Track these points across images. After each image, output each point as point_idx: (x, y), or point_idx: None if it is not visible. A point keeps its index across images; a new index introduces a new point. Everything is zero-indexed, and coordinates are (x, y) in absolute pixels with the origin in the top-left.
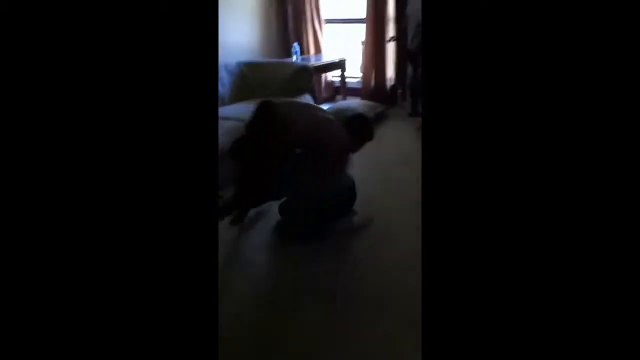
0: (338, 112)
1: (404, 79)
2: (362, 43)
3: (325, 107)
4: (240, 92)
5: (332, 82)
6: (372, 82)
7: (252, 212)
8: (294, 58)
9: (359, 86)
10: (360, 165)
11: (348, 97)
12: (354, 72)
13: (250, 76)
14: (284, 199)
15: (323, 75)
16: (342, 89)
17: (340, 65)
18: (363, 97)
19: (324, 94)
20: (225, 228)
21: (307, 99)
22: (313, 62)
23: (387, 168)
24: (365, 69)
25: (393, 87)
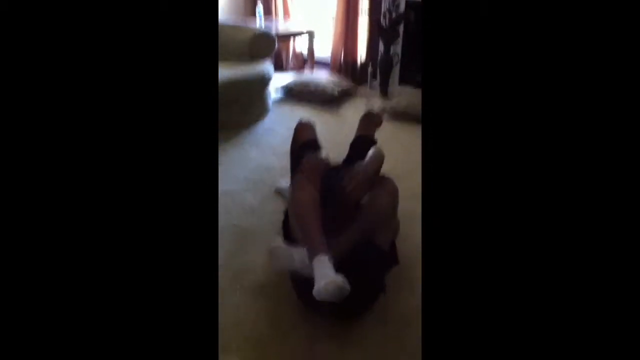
0: (302, 85)
1: (374, 57)
2: (333, 19)
3: (290, 77)
4: None
5: (301, 53)
6: (342, 58)
7: None
8: (257, 20)
9: (328, 60)
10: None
11: (316, 69)
12: (324, 47)
13: None
14: None
15: (292, 44)
16: (309, 60)
17: (309, 35)
18: (331, 71)
19: (291, 64)
20: None
21: (266, 66)
22: (280, 27)
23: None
24: (334, 43)
25: (363, 65)
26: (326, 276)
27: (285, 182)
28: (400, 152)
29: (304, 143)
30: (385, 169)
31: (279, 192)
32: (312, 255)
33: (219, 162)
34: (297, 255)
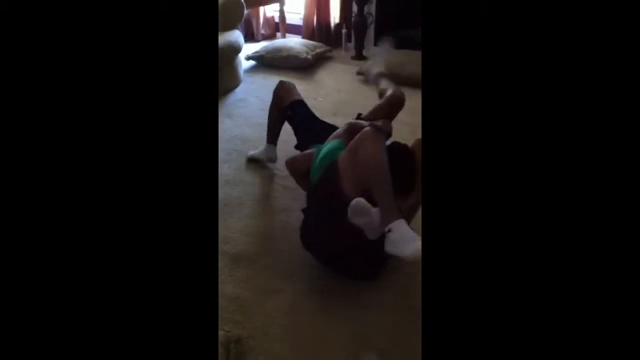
0: (274, 51)
1: (348, 19)
2: None
3: (262, 45)
4: None
5: (272, 18)
6: (315, 20)
7: None
8: None
9: (301, 23)
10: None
11: (288, 35)
12: (297, 12)
13: None
14: None
15: (262, 10)
16: (281, 26)
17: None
18: (304, 36)
19: (262, 31)
20: None
21: (236, 34)
22: None
23: (326, 116)
24: (306, 6)
25: (337, 27)
26: (414, 240)
27: (254, 151)
28: None
29: (292, 103)
30: None
31: (252, 158)
32: (388, 216)
33: None
34: (375, 214)
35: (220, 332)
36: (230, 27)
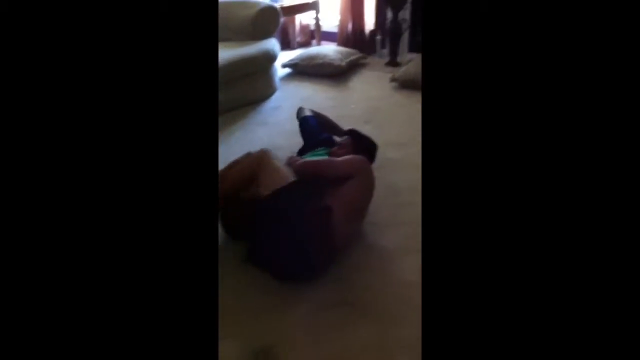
0: (308, 59)
1: (383, 25)
2: None
3: (297, 52)
4: None
5: (308, 26)
6: (349, 27)
7: None
8: None
9: (336, 30)
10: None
11: (323, 42)
12: (332, 19)
13: None
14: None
15: (298, 18)
16: (316, 33)
17: (314, 6)
18: (339, 43)
19: (298, 38)
20: None
21: (272, 42)
22: (282, 1)
23: (357, 124)
24: (341, 13)
25: (371, 33)
26: None
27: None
28: (407, 120)
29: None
30: (392, 138)
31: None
32: None
33: (228, 144)
34: None
35: (248, 343)
36: (267, 35)
